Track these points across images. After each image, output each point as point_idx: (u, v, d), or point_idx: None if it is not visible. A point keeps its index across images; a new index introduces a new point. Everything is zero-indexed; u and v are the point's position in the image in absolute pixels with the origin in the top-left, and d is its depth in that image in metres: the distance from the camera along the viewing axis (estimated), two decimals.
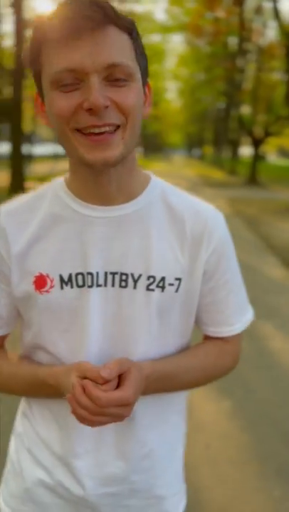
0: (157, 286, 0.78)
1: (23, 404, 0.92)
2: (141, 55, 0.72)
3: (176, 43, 32.31)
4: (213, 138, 38.20)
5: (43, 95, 0.72)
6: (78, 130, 0.68)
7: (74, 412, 0.69)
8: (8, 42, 16.66)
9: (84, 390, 0.68)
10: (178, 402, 0.91)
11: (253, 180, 19.35)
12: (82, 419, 0.70)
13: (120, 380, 0.70)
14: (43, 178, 18.13)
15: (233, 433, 2.44)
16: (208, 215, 0.83)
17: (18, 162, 12.36)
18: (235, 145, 26.15)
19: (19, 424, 0.92)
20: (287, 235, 8.04)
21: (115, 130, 0.68)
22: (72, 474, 0.83)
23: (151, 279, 0.78)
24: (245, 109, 22.57)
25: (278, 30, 11.88)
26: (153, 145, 54.94)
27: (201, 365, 0.85)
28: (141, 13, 25.98)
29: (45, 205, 0.80)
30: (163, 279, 0.78)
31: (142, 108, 0.72)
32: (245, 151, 35.19)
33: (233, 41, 21.25)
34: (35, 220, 0.79)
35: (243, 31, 18.53)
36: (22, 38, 11.67)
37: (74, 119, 0.67)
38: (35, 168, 20.73)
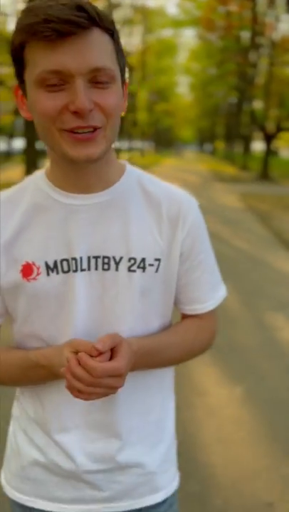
0: (138, 267, 0.82)
1: (17, 389, 0.95)
2: (120, 54, 0.75)
3: (188, 38, 32.05)
4: (224, 133, 37.99)
5: (24, 89, 0.74)
6: (64, 130, 0.71)
7: (69, 386, 0.72)
8: None
9: (79, 362, 0.70)
10: (163, 378, 0.94)
11: (265, 175, 19.26)
12: (77, 393, 0.72)
13: (112, 353, 0.74)
14: None
15: (245, 417, 2.55)
16: (182, 199, 0.87)
17: (32, 157, 12.51)
18: (247, 140, 25.99)
19: (15, 407, 0.96)
20: None
21: (97, 130, 0.71)
22: (64, 452, 0.86)
23: (132, 261, 0.82)
24: (258, 104, 22.41)
25: None
26: (164, 140, 54.74)
27: (181, 341, 0.89)
28: (153, 8, 25.95)
29: (28, 197, 0.83)
30: (143, 260, 0.82)
31: (121, 107, 0.75)
32: (257, 146, 34.93)
33: (245, 35, 21.10)
34: (19, 211, 0.82)
35: (256, 25, 18.41)
36: None
37: (59, 119, 0.70)
38: (47, 163, 20.83)
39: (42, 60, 0.67)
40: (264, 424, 2.48)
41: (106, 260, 0.81)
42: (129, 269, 0.82)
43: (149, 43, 28.24)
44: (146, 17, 25.58)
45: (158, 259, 0.83)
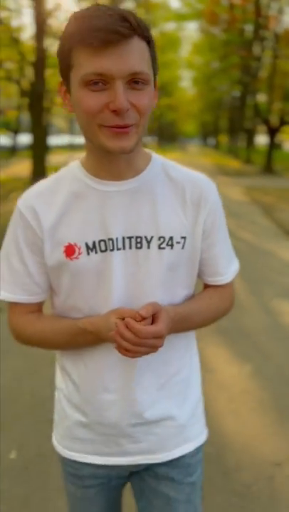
0: (167, 244, 0.92)
1: (59, 361, 1.05)
2: (155, 59, 0.84)
3: (191, 31, 31.95)
4: (228, 127, 37.89)
5: (68, 86, 0.83)
6: (103, 126, 0.80)
7: (118, 346, 0.83)
8: (26, 34, 16.96)
9: (126, 326, 0.81)
10: (189, 340, 1.05)
11: (268, 168, 19.30)
12: (125, 351, 0.83)
13: (153, 318, 0.85)
14: (61, 168, 18.46)
15: (254, 390, 2.76)
16: (203, 183, 0.96)
17: (39, 153, 12.64)
18: (250, 134, 25.99)
19: (58, 378, 1.07)
20: None
21: (132, 126, 0.81)
22: (105, 410, 0.97)
23: (162, 239, 0.91)
24: (261, 98, 22.38)
25: None
26: (168, 134, 54.70)
27: (208, 307, 1.01)
28: (156, 1, 25.89)
29: (66, 186, 0.92)
30: (171, 238, 0.92)
31: (152, 106, 0.84)
32: (261, 139, 34.89)
33: (249, 28, 21.02)
34: (59, 198, 0.91)
35: (259, 18, 18.38)
36: (43, 30, 11.86)
37: (100, 116, 0.78)
38: (52, 159, 21.06)
39: (87, 63, 0.76)
40: (271, 396, 2.69)
41: (139, 240, 0.91)
42: (159, 247, 0.91)
43: (153, 37, 28.23)
44: (149, 11, 25.48)
45: (184, 237, 0.93)
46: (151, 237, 0.91)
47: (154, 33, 28.27)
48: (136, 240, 0.90)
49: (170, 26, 30.69)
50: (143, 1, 23.73)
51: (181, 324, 0.94)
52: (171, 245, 0.92)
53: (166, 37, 30.14)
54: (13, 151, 27.02)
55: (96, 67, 0.75)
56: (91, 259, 0.90)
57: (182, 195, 0.94)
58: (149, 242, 0.91)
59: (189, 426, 1.04)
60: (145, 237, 0.91)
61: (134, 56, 0.76)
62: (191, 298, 1.01)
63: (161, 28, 30.15)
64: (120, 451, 0.99)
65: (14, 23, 15.41)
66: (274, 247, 6.32)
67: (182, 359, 1.02)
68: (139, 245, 0.91)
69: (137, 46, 0.76)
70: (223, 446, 2.23)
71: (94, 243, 0.90)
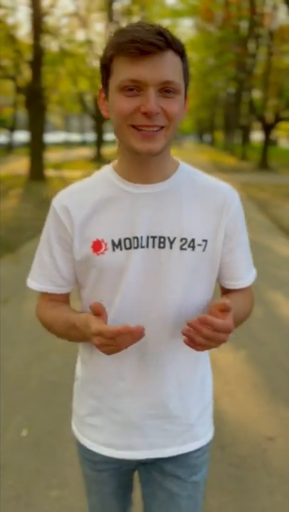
0: (188, 246, 0.96)
1: (80, 351, 1.11)
2: (187, 73, 0.90)
3: (187, 28, 31.94)
4: (223, 123, 38.00)
5: (106, 93, 0.90)
6: (133, 126, 0.86)
7: (191, 341, 0.86)
8: (22, 31, 16.97)
9: (204, 321, 0.82)
10: None
11: (264, 165, 19.47)
12: (197, 345, 0.86)
13: (223, 314, 0.85)
14: (58, 166, 18.53)
15: (249, 374, 2.92)
16: (227, 191, 1.02)
17: (37, 150, 12.73)
18: (246, 130, 26.12)
19: (78, 368, 1.12)
20: None
21: (160, 129, 0.86)
22: (121, 400, 1.01)
23: (184, 241, 0.96)
24: (256, 94, 22.48)
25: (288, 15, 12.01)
26: None
27: (243, 309, 1.06)
28: None
29: (99, 187, 0.98)
30: (193, 240, 0.96)
31: (181, 114, 0.91)
32: (257, 136, 35.02)
33: (244, 25, 21.08)
34: (91, 199, 0.97)
35: (254, 15, 18.47)
36: (39, 28, 11.93)
37: (131, 117, 0.85)
38: (49, 156, 21.17)
39: (125, 71, 0.83)
40: (264, 380, 2.85)
41: (162, 240, 0.95)
42: (181, 248, 0.95)
43: (186, 53, 28.20)
44: (145, 7, 25.46)
45: (205, 240, 0.97)
46: (174, 238, 0.96)
47: None
48: (159, 239, 0.95)
49: (165, 23, 30.70)
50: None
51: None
52: (193, 247, 0.96)
53: None
54: (9, 148, 27.04)
55: (132, 75, 0.83)
56: (116, 255, 0.95)
57: (206, 201, 0.99)
58: (171, 243, 0.96)
59: (198, 425, 1.08)
60: (168, 238, 0.96)
61: (167, 67, 0.83)
62: (207, 303, 1.04)
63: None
64: (129, 445, 1.04)
65: (10, 20, 15.40)
66: (269, 241, 6.49)
67: (199, 360, 1.07)
68: (162, 245, 0.95)
69: (170, 59, 0.84)
70: (221, 423, 2.39)
71: (120, 240, 0.95)
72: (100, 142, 22.49)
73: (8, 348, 3.20)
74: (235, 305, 1.01)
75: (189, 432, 1.06)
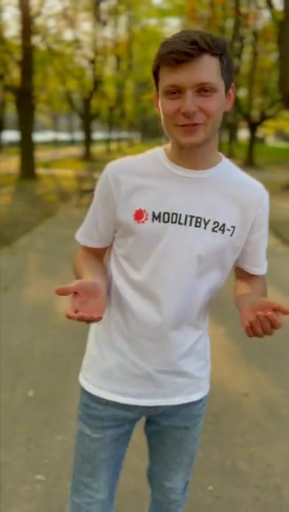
0: (219, 229, 1.07)
1: (109, 311, 1.18)
2: (226, 69, 0.98)
3: (173, 28, 32.10)
4: None
5: (158, 95, 1.02)
6: (177, 125, 0.98)
7: (256, 334, 0.95)
8: (10, 32, 17.12)
9: (268, 317, 0.91)
10: (208, 312, 1.21)
11: (250, 162, 19.92)
12: (255, 335, 0.96)
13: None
14: (47, 164, 18.76)
15: (227, 345, 3.28)
16: (259, 189, 1.12)
17: (27, 149, 12.97)
18: (232, 129, 26.53)
19: (99, 325, 1.20)
20: (279, 212, 8.81)
21: (200, 125, 0.97)
22: (143, 354, 1.13)
23: (216, 224, 1.06)
24: (242, 93, 22.87)
25: (271, 18, 12.38)
26: (151, 130, 54.95)
27: (262, 291, 1.18)
28: None
29: (149, 164, 1.09)
30: (224, 225, 1.07)
31: (222, 108, 1.00)
32: (244, 134, 35.44)
33: (229, 24, 21.34)
34: (141, 172, 1.08)
35: (239, 16, 18.82)
36: (29, 28, 12.12)
37: (175, 117, 0.97)
38: (38, 155, 21.37)
39: (167, 78, 0.96)
40: (241, 350, 3.22)
41: (198, 220, 1.06)
42: (213, 230, 1.07)
43: (135, 33, 28.26)
44: (131, 7, 25.64)
45: (233, 227, 1.08)
46: (208, 220, 1.06)
47: (136, 29, 27.85)
48: (196, 219, 1.06)
49: (152, 22, 30.82)
50: None
51: None
52: (223, 230, 1.08)
53: (148, 33, 30.32)
54: None
55: (172, 81, 0.94)
56: (155, 226, 1.06)
57: (240, 194, 1.09)
58: (206, 224, 1.06)
59: (202, 379, 1.22)
60: (204, 219, 1.06)
61: (201, 70, 0.93)
62: (255, 287, 1.17)
63: (144, 24, 30.30)
64: (144, 394, 1.16)
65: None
66: None
67: (204, 326, 1.21)
68: (198, 224, 1.06)
69: (205, 62, 0.93)
70: None
71: (160, 213, 1.06)
72: (88, 141, 22.68)
73: (11, 327, 3.52)
74: (262, 289, 1.18)
75: (195, 384, 1.20)
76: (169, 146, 1.11)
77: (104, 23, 21.17)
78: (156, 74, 1.01)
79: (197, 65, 0.92)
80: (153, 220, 1.05)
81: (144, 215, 1.06)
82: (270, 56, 20.56)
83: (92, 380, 1.19)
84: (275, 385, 2.78)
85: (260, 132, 48.92)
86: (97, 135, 42.55)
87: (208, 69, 0.93)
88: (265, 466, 2.09)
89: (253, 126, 19.88)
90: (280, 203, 9.79)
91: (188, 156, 1.05)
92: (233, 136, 26.88)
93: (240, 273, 1.22)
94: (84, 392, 1.21)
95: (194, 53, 0.91)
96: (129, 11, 26.45)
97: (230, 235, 1.08)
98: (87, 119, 21.63)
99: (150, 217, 1.05)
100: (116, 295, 1.15)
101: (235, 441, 2.26)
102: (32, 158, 13.19)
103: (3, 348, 3.18)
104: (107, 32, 22.92)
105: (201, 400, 1.24)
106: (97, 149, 28.52)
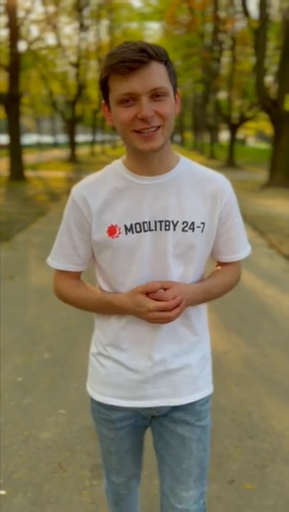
0: (189, 228, 1.08)
1: (103, 326, 1.22)
2: (172, 74, 1.01)
3: (155, 31, 32.59)
4: (192, 124, 39.02)
5: (109, 106, 1.03)
6: (135, 131, 0.99)
7: (155, 318, 1.05)
8: None
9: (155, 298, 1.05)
10: (204, 309, 1.24)
11: (230, 163, 20.60)
12: (161, 320, 1.05)
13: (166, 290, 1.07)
14: (35, 166, 19.12)
15: (210, 319, 3.82)
16: (221, 180, 1.14)
17: (16, 152, 13.37)
18: (212, 130, 27.13)
19: (97, 339, 1.25)
20: (257, 208, 9.43)
21: (157, 129, 0.99)
22: (138, 360, 1.16)
23: (185, 223, 1.08)
24: (223, 95, 23.44)
25: (247, 27, 13.04)
26: None
27: (224, 281, 1.20)
28: (119, 2, 26.53)
29: (111, 180, 1.11)
30: (193, 223, 1.08)
31: (174, 112, 1.01)
32: (226, 136, 36.18)
33: (209, 29, 21.79)
34: (105, 190, 1.10)
35: (217, 22, 19.42)
36: (16, 35, 12.49)
37: (132, 124, 0.98)
38: (24, 158, 21.66)
39: (120, 87, 0.96)
40: (222, 322, 3.77)
41: (167, 223, 1.08)
42: (183, 230, 1.09)
43: (116, 36, 28.65)
44: (113, 11, 26.03)
45: (203, 223, 1.10)
46: (177, 222, 1.09)
47: (117, 32, 28.13)
48: (165, 223, 1.08)
49: (134, 26, 31.19)
50: (106, 2, 24.25)
51: (204, 296, 1.15)
52: (193, 229, 1.10)
53: (129, 36, 30.75)
54: None
55: (126, 89, 0.95)
56: (128, 238, 1.08)
57: (203, 189, 1.12)
58: (175, 225, 1.09)
59: (200, 378, 1.22)
60: (172, 221, 1.08)
61: (153, 76, 0.95)
62: (210, 275, 1.21)
63: (125, 27, 30.68)
64: (144, 396, 1.18)
65: None
66: None
67: (200, 321, 1.22)
68: (167, 227, 1.09)
69: (154, 68, 0.95)
70: None
71: (131, 225, 1.08)
72: (73, 144, 23.06)
73: (21, 307, 4.01)
74: (222, 277, 1.22)
75: (194, 383, 1.21)
76: (125, 157, 1.13)
77: (87, 29, 21.58)
78: (104, 85, 1.02)
79: (148, 71, 0.95)
80: (126, 233, 1.09)
81: (117, 230, 1.09)
82: (249, 60, 21.19)
83: (96, 388, 1.24)
84: (249, 346, 3.34)
85: (241, 133, 49.79)
86: (80, 137, 42.87)
87: (158, 74, 0.96)
88: (239, 400, 2.64)
89: (232, 128, 20.54)
90: (257, 200, 10.42)
91: (146, 162, 1.07)
92: (213, 138, 27.52)
93: (217, 263, 1.27)
94: (92, 398, 1.27)
95: (145, 60, 0.94)
96: (111, 14, 26.84)
97: (202, 231, 1.11)
98: (71, 123, 22.00)
99: (123, 230, 1.09)
100: None
101: (217, 383, 2.80)
102: (21, 161, 13.59)
103: (17, 324, 3.67)
104: (90, 36, 23.25)
105: (203, 399, 1.24)
106: (81, 152, 28.88)
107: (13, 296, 4.29)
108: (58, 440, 2.28)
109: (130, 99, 0.97)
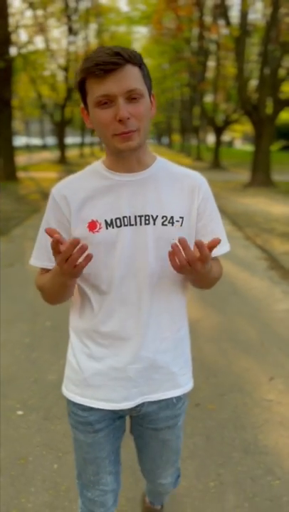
0: (168, 222, 1.12)
1: (74, 322, 1.24)
2: (147, 77, 1.05)
3: (142, 35, 33.05)
4: (180, 126, 39.71)
5: (87, 108, 1.06)
6: (114, 134, 1.02)
7: (177, 256, 0.99)
8: None
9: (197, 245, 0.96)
10: (183, 303, 1.24)
11: (216, 164, 21.23)
12: (178, 267, 1.02)
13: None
14: (26, 168, 19.58)
15: (191, 300, 4.42)
16: (197, 177, 1.18)
17: (9, 153, 13.87)
18: (199, 133, 27.74)
19: (73, 337, 1.25)
20: (238, 206, 10.08)
21: (135, 131, 1.02)
22: (118, 359, 1.17)
23: (164, 218, 1.12)
24: (209, 98, 24.03)
25: (229, 35, 13.68)
26: None
27: (214, 271, 1.17)
28: (107, 6, 27.03)
29: (91, 178, 1.14)
30: (172, 217, 1.12)
31: (149, 113, 1.05)
32: (213, 138, 36.92)
33: (196, 32, 22.24)
34: (85, 187, 1.13)
35: (202, 28, 20.06)
36: (8, 40, 12.97)
37: (111, 127, 1.01)
38: (15, 159, 22.02)
39: (97, 89, 0.99)
40: (198, 297, 4.38)
41: (147, 217, 1.11)
42: (163, 224, 1.12)
43: (105, 40, 29.09)
44: (100, 14, 26.43)
45: (182, 217, 1.13)
46: (156, 216, 1.11)
47: (106, 36, 28.41)
48: (144, 217, 1.11)
49: (122, 29, 31.63)
50: (94, 6, 24.70)
51: (205, 275, 1.07)
52: (172, 223, 1.12)
53: (117, 40, 31.18)
54: None
55: (103, 91, 0.98)
56: (109, 233, 1.10)
57: (180, 186, 1.15)
58: (154, 220, 1.11)
59: (180, 375, 1.24)
60: (151, 216, 1.11)
61: (128, 78, 0.98)
62: None
63: (113, 31, 31.11)
64: (124, 396, 1.18)
65: None
66: None
67: (181, 319, 1.24)
68: (147, 222, 1.11)
69: (129, 71, 0.99)
70: None
71: (111, 220, 1.10)
72: (62, 146, 23.51)
73: (22, 288, 4.56)
74: (212, 268, 1.14)
75: (172, 380, 1.23)
76: (105, 158, 1.16)
77: (76, 33, 22.07)
78: (81, 88, 1.05)
79: (124, 73, 0.98)
80: (107, 228, 1.11)
81: (98, 225, 1.11)
82: (233, 64, 21.77)
83: (74, 390, 1.23)
84: (219, 315, 3.95)
85: (228, 136, 50.65)
86: (70, 140, 43.29)
87: (133, 76, 1.00)
88: (208, 352, 3.24)
89: (218, 131, 21.18)
90: (239, 199, 11.09)
91: (125, 161, 1.11)
92: (200, 140, 28.15)
93: None
94: (69, 401, 1.25)
95: (120, 62, 0.97)
96: (99, 18, 27.29)
97: (181, 225, 1.14)
98: (61, 125, 22.45)
99: (104, 225, 1.11)
100: (85, 306, 1.20)
101: (191, 342, 3.40)
102: (13, 162, 14.08)
103: (20, 300, 4.23)
104: (78, 39, 23.66)
105: (180, 399, 1.27)
106: (71, 153, 29.33)
107: (15, 280, 4.84)
108: (61, 380, 2.83)
109: (108, 101, 1.00)
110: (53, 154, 29.21)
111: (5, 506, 1.90)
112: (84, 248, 0.94)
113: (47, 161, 25.00)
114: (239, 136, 52.93)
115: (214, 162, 21.38)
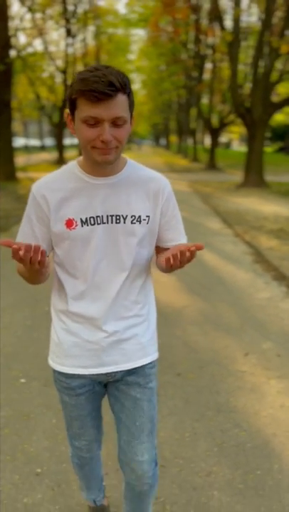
0: (136, 220, 1.26)
1: (54, 302, 1.39)
2: (132, 104, 1.16)
3: (141, 36, 33.20)
4: (177, 128, 40.07)
5: (73, 117, 1.16)
6: (94, 147, 1.15)
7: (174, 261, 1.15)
8: None
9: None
10: (149, 281, 1.41)
11: (212, 165, 21.60)
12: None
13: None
14: (25, 168, 19.91)
15: (172, 282, 4.78)
16: (161, 180, 1.33)
17: (8, 154, 14.20)
18: (195, 134, 28.07)
19: (53, 315, 1.41)
20: (229, 205, 10.44)
21: (113, 148, 1.15)
22: (92, 333, 1.33)
23: (133, 217, 1.26)
24: (206, 100, 24.35)
25: (222, 39, 14.03)
26: None
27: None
28: (105, 8, 27.29)
29: (67, 179, 1.26)
30: (140, 216, 1.27)
31: (128, 134, 1.18)
32: (210, 139, 37.20)
33: (192, 36, 22.60)
34: (63, 187, 1.25)
35: (199, 32, 20.39)
36: (8, 43, 13.29)
37: (93, 142, 1.14)
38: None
39: (87, 111, 1.10)
40: (186, 287, 4.73)
41: (118, 217, 1.25)
42: (132, 222, 1.26)
43: (102, 42, 29.28)
44: (98, 16, 26.64)
45: (148, 216, 1.29)
46: (126, 216, 1.26)
47: (104, 38, 28.48)
48: (116, 217, 1.25)
49: (119, 31, 31.86)
50: (92, 9, 24.97)
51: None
52: (140, 221, 1.27)
53: (115, 42, 31.40)
54: None
55: (92, 113, 1.10)
56: (84, 230, 1.24)
57: (147, 188, 1.30)
58: (124, 219, 1.26)
59: (148, 345, 1.41)
60: (122, 215, 1.25)
61: (116, 107, 1.10)
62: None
63: (110, 33, 31.35)
64: (99, 363, 1.35)
65: None
66: (205, 220, 8.47)
67: (147, 298, 1.40)
68: (118, 221, 1.25)
69: (118, 100, 1.10)
70: (157, 299, 4.22)
71: (86, 218, 1.23)
72: (60, 146, 23.83)
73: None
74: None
75: (142, 350, 1.38)
76: (81, 159, 1.27)
77: (74, 36, 22.37)
78: (72, 101, 1.13)
79: (114, 102, 1.09)
80: (82, 225, 1.23)
81: (74, 223, 1.23)
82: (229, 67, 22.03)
83: (57, 360, 1.39)
84: (204, 302, 4.30)
85: (226, 137, 51.04)
86: (68, 141, 43.63)
87: (121, 105, 1.11)
88: (191, 333, 3.59)
89: (213, 132, 21.53)
90: (231, 199, 11.46)
91: (100, 168, 1.22)
92: (196, 142, 28.46)
93: (158, 249, 1.42)
94: (54, 370, 1.42)
95: (112, 94, 1.07)
96: (97, 20, 27.57)
97: (147, 223, 1.28)
98: (60, 126, 22.76)
99: (79, 223, 1.23)
100: (62, 290, 1.34)
101: (176, 325, 3.76)
102: (13, 163, 14.42)
103: (21, 289, 4.58)
104: (77, 41, 23.93)
105: (150, 362, 1.41)
106: (69, 154, 29.57)
107: (15, 271, 5.18)
108: None
109: (95, 123, 1.11)
110: (52, 155, 29.51)
111: (11, 450, 2.25)
112: (37, 249, 1.06)
113: (45, 162, 25.31)
114: (237, 138, 53.28)
115: (210, 163, 21.72)
